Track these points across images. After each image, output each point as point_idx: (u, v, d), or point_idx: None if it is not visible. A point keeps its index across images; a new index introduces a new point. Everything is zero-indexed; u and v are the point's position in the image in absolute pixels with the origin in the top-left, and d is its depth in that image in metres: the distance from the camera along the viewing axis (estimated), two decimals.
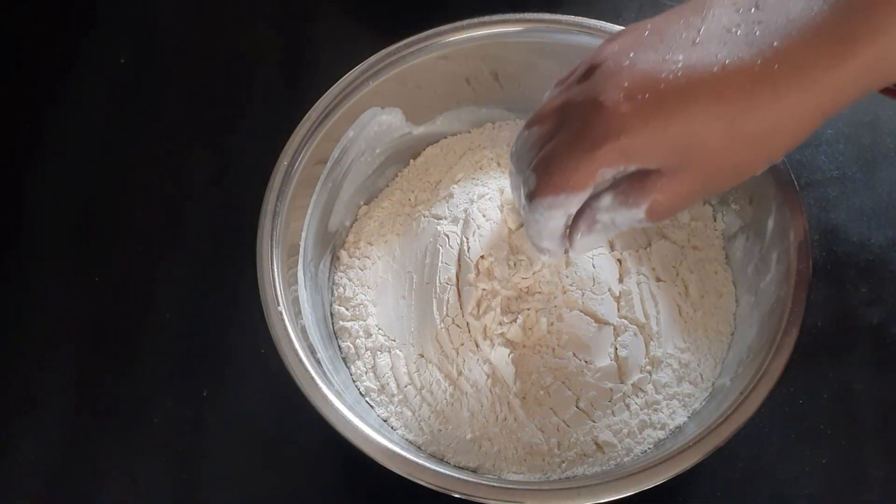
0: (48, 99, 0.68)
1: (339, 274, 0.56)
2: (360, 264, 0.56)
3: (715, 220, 0.56)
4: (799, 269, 0.48)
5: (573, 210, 0.43)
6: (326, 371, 0.48)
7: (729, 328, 0.53)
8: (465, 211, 0.53)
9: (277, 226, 0.51)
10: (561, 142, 0.41)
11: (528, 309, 0.50)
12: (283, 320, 0.48)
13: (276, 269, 0.50)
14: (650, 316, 0.52)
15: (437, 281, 0.51)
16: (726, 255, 0.55)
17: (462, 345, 0.50)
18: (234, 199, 0.63)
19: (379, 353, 0.52)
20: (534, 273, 0.50)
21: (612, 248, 0.53)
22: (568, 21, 0.55)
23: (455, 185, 0.56)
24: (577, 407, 0.49)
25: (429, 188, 0.58)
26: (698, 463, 0.44)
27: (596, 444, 0.49)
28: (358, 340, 0.53)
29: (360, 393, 0.52)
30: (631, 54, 0.40)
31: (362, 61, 0.55)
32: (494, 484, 0.45)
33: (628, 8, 0.69)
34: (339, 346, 0.53)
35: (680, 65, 0.39)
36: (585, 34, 0.55)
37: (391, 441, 0.45)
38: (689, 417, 0.50)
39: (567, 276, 0.50)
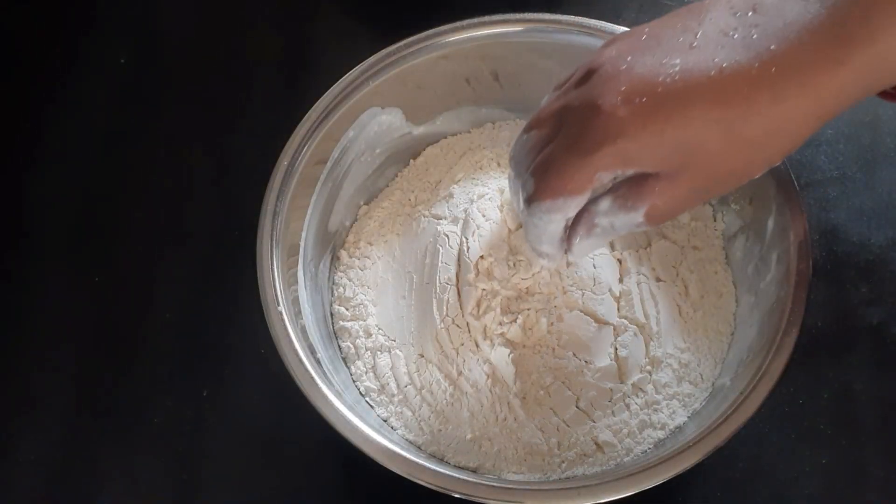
0: (48, 99, 0.68)
1: (339, 274, 0.56)
2: (360, 264, 0.56)
3: (715, 220, 0.56)
4: (799, 269, 0.48)
5: (571, 214, 0.43)
6: (326, 371, 0.48)
7: (729, 328, 0.53)
8: (465, 211, 0.53)
9: (277, 226, 0.51)
10: (559, 146, 0.41)
11: (528, 309, 0.50)
12: (283, 320, 0.48)
13: (276, 269, 0.50)
14: (650, 316, 0.52)
15: (437, 281, 0.51)
16: (726, 255, 0.55)
17: (462, 345, 0.50)
18: (234, 199, 0.63)
19: (379, 353, 0.52)
20: (533, 274, 0.50)
21: (612, 248, 0.53)
22: (568, 21, 0.55)
23: (455, 185, 0.56)
24: (577, 407, 0.49)
25: (429, 188, 0.58)
26: (698, 463, 0.44)
27: (596, 444, 0.49)
28: (358, 340, 0.53)
29: (360, 393, 0.52)
30: (628, 58, 0.40)
31: (362, 61, 0.55)
32: (494, 484, 0.45)
33: (628, 8, 0.69)
34: (339, 346, 0.54)
35: (677, 68, 0.39)
36: (585, 34, 0.55)
37: (391, 441, 0.45)
38: (689, 417, 0.50)
39: (568, 277, 0.50)
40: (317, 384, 0.46)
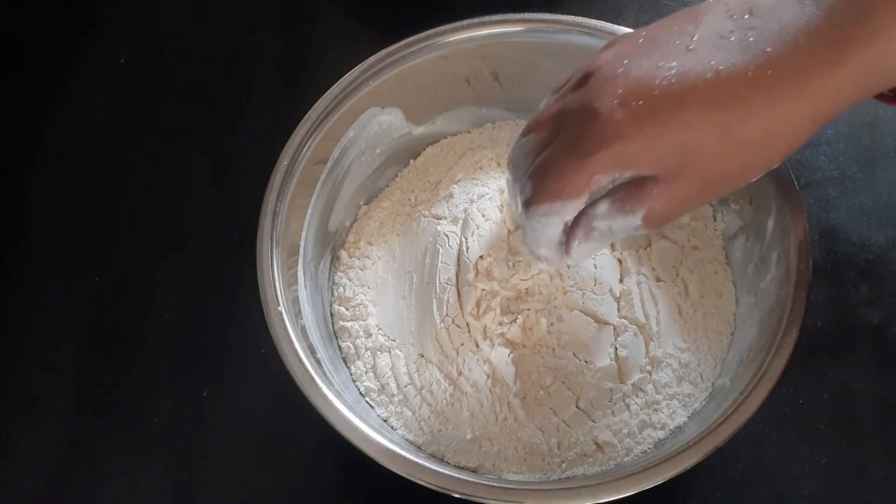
0: (48, 99, 0.68)
1: (339, 274, 0.56)
2: (360, 264, 0.56)
3: (715, 220, 0.56)
4: (799, 269, 0.48)
5: (569, 217, 0.43)
6: (326, 371, 0.48)
7: (729, 328, 0.53)
8: (465, 211, 0.53)
9: (277, 226, 0.51)
10: (556, 149, 0.41)
11: (528, 309, 0.50)
12: (283, 320, 0.48)
13: (276, 269, 0.50)
14: (650, 316, 0.52)
15: (437, 281, 0.51)
16: (726, 255, 0.55)
17: (462, 345, 0.50)
18: (234, 199, 0.63)
19: (379, 353, 0.52)
20: (532, 276, 0.50)
21: (612, 248, 0.53)
22: (568, 21, 0.55)
23: (455, 185, 0.56)
24: (577, 407, 0.49)
25: (429, 188, 0.58)
26: (698, 463, 0.44)
27: (596, 444, 0.49)
28: (358, 340, 0.53)
29: (360, 393, 0.52)
30: (625, 61, 0.40)
31: (362, 61, 0.55)
32: (494, 484, 0.45)
33: (628, 8, 0.69)
34: (339, 346, 0.54)
35: (674, 71, 0.39)
36: (585, 34, 0.55)
37: (391, 441, 0.45)
38: (689, 417, 0.50)
39: (568, 277, 0.50)
40: (317, 384, 0.46)
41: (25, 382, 0.58)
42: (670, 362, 0.51)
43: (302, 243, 0.53)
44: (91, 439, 0.56)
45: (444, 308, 0.50)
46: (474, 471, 0.48)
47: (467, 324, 0.50)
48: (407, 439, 0.50)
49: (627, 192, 0.41)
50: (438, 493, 0.44)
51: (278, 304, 0.48)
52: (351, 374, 0.52)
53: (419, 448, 0.49)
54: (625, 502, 0.44)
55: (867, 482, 0.53)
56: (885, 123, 0.63)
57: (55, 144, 0.66)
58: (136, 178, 0.65)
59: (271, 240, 0.50)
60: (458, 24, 0.56)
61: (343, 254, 0.57)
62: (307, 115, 0.54)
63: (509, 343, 0.50)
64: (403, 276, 0.54)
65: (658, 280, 0.53)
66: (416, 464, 0.45)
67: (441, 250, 0.52)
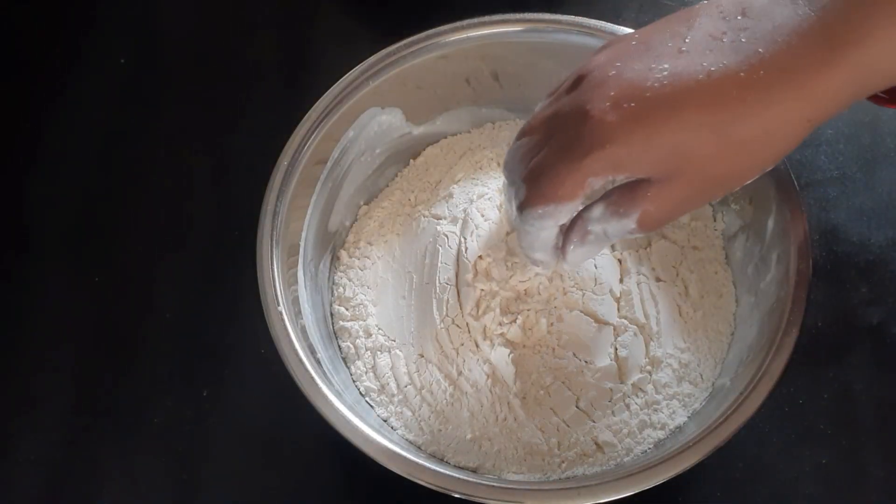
0: (48, 99, 0.68)
1: (339, 274, 0.56)
2: (360, 264, 0.56)
3: (715, 220, 0.56)
4: (799, 269, 0.48)
5: (564, 220, 0.43)
6: (326, 371, 0.48)
7: (729, 328, 0.53)
8: (465, 211, 0.53)
9: (277, 226, 0.51)
10: (550, 152, 0.41)
11: (528, 309, 0.50)
12: (283, 320, 0.48)
13: (276, 269, 0.50)
14: (650, 316, 0.52)
15: (437, 281, 0.51)
16: (726, 255, 0.55)
17: (462, 345, 0.50)
18: (234, 199, 0.63)
19: (379, 353, 0.52)
20: (530, 278, 0.50)
21: (612, 248, 0.53)
22: (568, 21, 0.55)
23: (455, 185, 0.56)
24: (577, 407, 0.49)
25: (429, 188, 0.58)
26: (698, 463, 0.44)
27: (596, 444, 0.49)
28: (358, 340, 0.53)
29: (360, 393, 0.52)
30: (618, 64, 0.40)
31: (362, 61, 0.55)
32: (494, 484, 0.45)
33: (628, 8, 0.69)
34: (339, 346, 0.53)
35: (666, 73, 0.39)
36: (585, 34, 0.55)
37: (391, 441, 0.45)
38: (689, 417, 0.50)
39: (568, 277, 0.50)
40: (317, 384, 0.46)
41: (25, 382, 0.58)
42: (670, 362, 0.51)
43: (302, 243, 0.53)
44: (91, 439, 0.56)
45: (444, 308, 0.50)
46: (474, 471, 0.48)
47: (467, 324, 0.50)
48: (407, 439, 0.50)
49: (622, 195, 0.41)
50: (438, 493, 0.44)
51: (278, 304, 0.48)
52: (351, 374, 0.52)
53: (419, 448, 0.49)
54: (625, 502, 0.44)
55: (867, 482, 0.53)
56: (885, 123, 0.63)
57: (55, 144, 0.66)
58: (136, 178, 0.65)
59: (271, 240, 0.50)
60: (458, 24, 0.56)
61: (343, 254, 0.57)
62: (307, 115, 0.54)
63: (509, 343, 0.50)
64: (403, 276, 0.54)
65: (658, 280, 0.53)
66: (416, 464, 0.45)
67: (441, 250, 0.52)
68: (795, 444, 0.53)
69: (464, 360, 0.50)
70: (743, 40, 0.38)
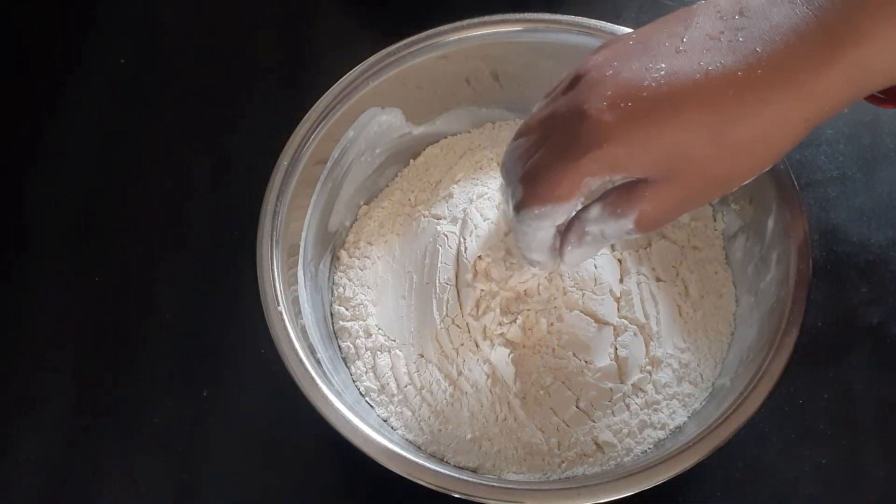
0: (48, 99, 0.68)
1: (339, 274, 0.56)
2: (360, 264, 0.56)
3: (715, 220, 0.56)
4: (799, 269, 0.48)
5: (560, 221, 0.43)
6: (326, 371, 0.48)
7: (729, 328, 0.53)
8: (464, 211, 0.53)
9: (277, 226, 0.51)
10: (546, 152, 0.41)
11: (528, 309, 0.50)
12: (283, 320, 0.48)
13: (276, 269, 0.50)
14: (650, 316, 0.52)
15: (437, 281, 0.51)
16: (726, 255, 0.55)
17: (462, 345, 0.50)
18: (234, 199, 0.63)
19: (379, 353, 0.52)
20: (528, 279, 0.50)
21: (612, 248, 0.53)
22: (568, 21, 0.55)
23: (455, 185, 0.56)
24: (577, 407, 0.49)
25: (429, 188, 0.58)
26: (698, 463, 0.44)
27: (596, 444, 0.49)
28: (358, 340, 0.53)
29: (360, 393, 0.52)
30: (615, 64, 0.40)
31: (362, 61, 0.55)
32: (494, 484, 0.45)
33: (628, 8, 0.69)
34: (339, 346, 0.54)
35: (663, 73, 0.39)
36: (585, 34, 0.55)
37: (391, 441, 0.45)
38: (689, 417, 0.50)
39: (568, 277, 0.50)
40: (317, 384, 0.46)
41: (25, 382, 0.58)
42: (670, 362, 0.51)
43: (302, 243, 0.53)
44: (91, 439, 0.56)
45: (444, 308, 0.50)
46: (474, 471, 0.48)
47: (467, 324, 0.50)
48: (407, 439, 0.50)
49: (619, 195, 0.41)
50: (438, 493, 0.44)
51: (278, 304, 0.48)
52: (351, 374, 0.52)
53: (419, 448, 0.49)
54: (625, 502, 0.44)
55: (867, 482, 0.53)
56: (885, 123, 0.63)
57: (55, 144, 0.66)
58: (136, 178, 0.65)
59: (271, 240, 0.50)
60: (458, 24, 0.56)
61: (343, 254, 0.57)
62: (307, 115, 0.54)
63: (509, 343, 0.50)
64: (403, 276, 0.54)
65: (658, 280, 0.53)
66: (416, 464, 0.45)
67: (441, 250, 0.52)
68: (795, 444, 0.53)
69: (464, 360, 0.50)
70: (741, 40, 0.38)
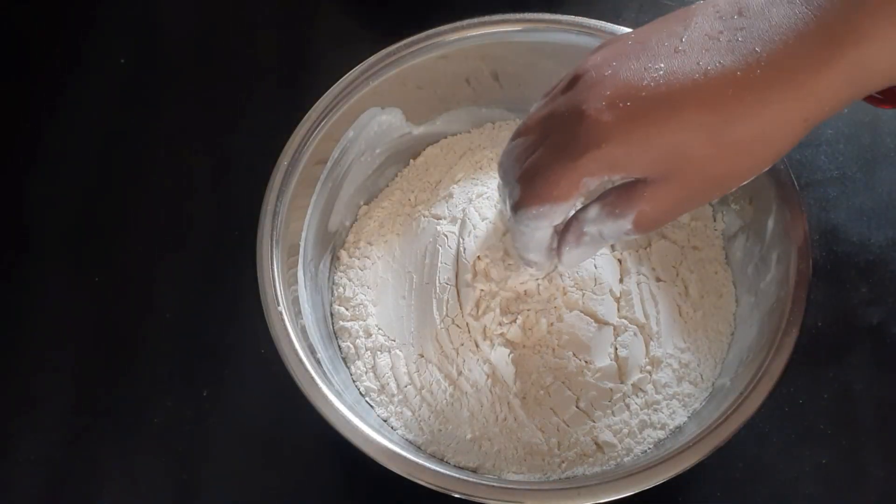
0: (48, 99, 0.68)
1: (339, 274, 0.56)
2: (360, 264, 0.56)
3: (715, 220, 0.56)
4: (799, 269, 0.48)
5: (558, 221, 0.43)
6: (326, 371, 0.48)
7: (729, 328, 0.53)
8: (463, 211, 0.53)
9: (277, 226, 0.51)
10: (545, 152, 0.41)
11: (528, 309, 0.50)
12: (283, 320, 0.48)
13: (276, 269, 0.50)
14: (650, 316, 0.52)
15: (437, 281, 0.51)
16: (726, 255, 0.55)
17: (462, 345, 0.50)
18: (234, 199, 0.63)
19: (379, 353, 0.52)
20: (525, 280, 0.50)
21: (612, 248, 0.53)
22: (568, 21, 0.55)
23: (455, 185, 0.56)
24: (577, 407, 0.49)
25: (429, 188, 0.58)
26: (698, 463, 0.44)
27: (596, 444, 0.49)
28: (358, 340, 0.53)
29: (360, 393, 0.52)
30: (614, 63, 0.40)
31: (362, 61, 0.55)
32: (494, 484, 0.45)
33: (628, 8, 0.69)
34: (339, 346, 0.54)
35: (662, 72, 0.39)
36: (585, 34, 0.55)
37: (391, 441, 0.45)
38: (689, 417, 0.50)
39: (568, 277, 0.50)
40: (317, 384, 0.46)
41: (25, 382, 0.58)
42: (670, 362, 0.51)
43: (302, 243, 0.53)
44: (91, 439, 0.56)
45: (444, 308, 0.50)
46: (474, 471, 0.48)
47: (467, 324, 0.50)
48: (407, 439, 0.50)
49: (618, 195, 0.41)
50: (438, 493, 0.44)
51: (278, 304, 0.48)
52: (351, 374, 0.52)
53: (419, 448, 0.49)
54: (625, 502, 0.44)
55: (867, 482, 0.53)
56: (885, 123, 0.63)
57: (55, 144, 0.66)
58: (136, 178, 0.65)
59: (271, 240, 0.50)
60: (458, 24, 0.56)
61: (343, 254, 0.57)
62: (307, 115, 0.54)
63: (509, 343, 0.50)
64: (403, 276, 0.54)
65: (658, 280, 0.53)
66: (416, 464, 0.45)
67: (441, 250, 0.52)
68: (795, 444, 0.53)
69: (464, 360, 0.50)
70: (740, 40, 0.38)
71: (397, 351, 0.52)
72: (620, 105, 0.39)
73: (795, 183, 0.50)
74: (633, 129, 0.38)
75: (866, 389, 0.55)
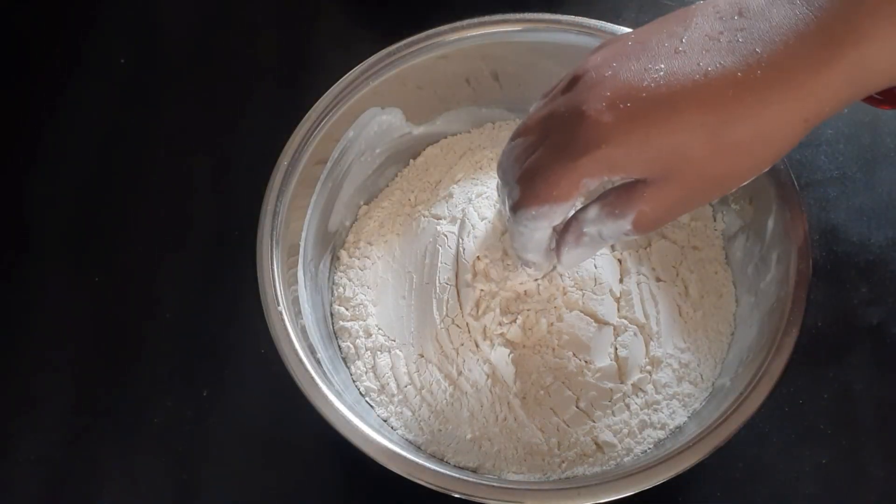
0: (48, 99, 0.68)
1: (339, 274, 0.56)
2: (360, 264, 0.56)
3: (715, 220, 0.56)
4: (799, 269, 0.48)
5: (557, 221, 0.43)
6: (326, 371, 0.48)
7: (729, 328, 0.53)
8: (463, 211, 0.53)
9: (277, 226, 0.51)
10: (544, 153, 0.41)
11: (528, 309, 0.50)
12: (283, 320, 0.48)
13: (276, 269, 0.50)
14: (650, 316, 0.52)
15: (437, 281, 0.51)
16: (726, 255, 0.55)
17: (462, 345, 0.50)
18: (234, 199, 0.63)
19: (379, 353, 0.52)
20: (523, 281, 0.50)
21: (612, 248, 0.53)
22: (568, 21, 0.55)
23: (455, 185, 0.56)
24: (577, 407, 0.49)
25: (429, 188, 0.58)
26: (698, 463, 0.44)
27: (596, 444, 0.49)
28: (358, 340, 0.53)
29: (360, 393, 0.52)
30: (614, 64, 0.40)
31: (362, 61, 0.55)
32: (494, 484, 0.45)
33: (628, 8, 0.69)
34: (339, 346, 0.54)
35: (662, 73, 0.39)
36: (585, 34, 0.55)
37: (391, 441, 0.45)
38: (689, 417, 0.50)
39: (568, 277, 0.50)
40: (317, 384, 0.46)
41: (25, 382, 0.58)
42: (670, 362, 0.51)
43: (302, 243, 0.53)
44: (91, 439, 0.56)
45: (444, 308, 0.50)
46: (474, 471, 0.48)
47: (467, 324, 0.50)
48: (407, 439, 0.50)
49: (617, 195, 0.41)
50: (438, 493, 0.44)
51: (278, 304, 0.48)
52: (351, 374, 0.52)
53: (419, 448, 0.49)
54: (625, 502, 0.44)
55: (867, 482, 0.53)
56: (885, 123, 0.63)
57: (55, 144, 0.66)
58: (136, 178, 0.65)
59: (271, 240, 0.50)
60: (458, 24, 0.56)
61: (343, 254, 0.57)
62: (307, 115, 0.54)
63: (509, 343, 0.50)
64: (403, 276, 0.54)
65: (658, 280, 0.53)
66: (416, 464, 0.45)
67: (441, 250, 0.52)
68: (795, 444, 0.53)
69: (464, 360, 0.50)
70: (740, 40, 0.38)
71: (397, 351, 0.52)
72: (620, 106, 0.39)
73: (795, 183, 0.50)
74: (633, 129, 0.38)
75: (866, 389, 0.55)
